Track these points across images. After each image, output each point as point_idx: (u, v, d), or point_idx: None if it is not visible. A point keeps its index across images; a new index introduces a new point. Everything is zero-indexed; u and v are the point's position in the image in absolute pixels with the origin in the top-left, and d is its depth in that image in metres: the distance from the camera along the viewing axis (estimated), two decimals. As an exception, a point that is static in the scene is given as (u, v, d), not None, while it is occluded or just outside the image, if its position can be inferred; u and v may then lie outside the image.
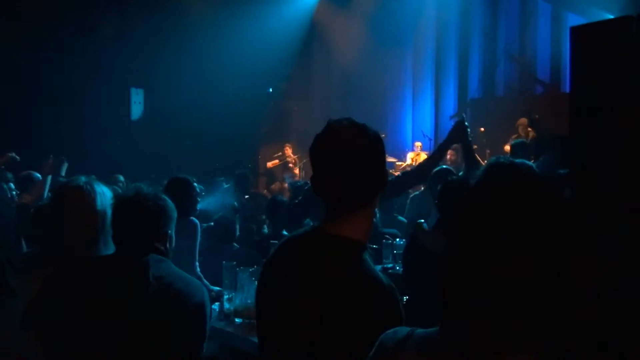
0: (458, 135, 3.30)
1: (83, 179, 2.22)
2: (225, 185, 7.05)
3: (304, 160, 10.25)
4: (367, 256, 1.49)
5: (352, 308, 1.37)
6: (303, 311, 1.42)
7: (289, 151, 10.61)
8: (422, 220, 3.23)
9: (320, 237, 1.49)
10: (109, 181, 5.94)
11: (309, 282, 1.44)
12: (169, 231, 2.08)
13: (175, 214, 2.11)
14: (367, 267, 1.45)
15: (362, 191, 1.49)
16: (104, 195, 2.20)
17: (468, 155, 3.43)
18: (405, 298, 2.56)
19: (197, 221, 3.68)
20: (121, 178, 6.74)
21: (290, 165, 10.47)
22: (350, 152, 1.47)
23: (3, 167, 5.89)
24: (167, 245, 2.08)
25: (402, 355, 1.06)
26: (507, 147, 8.67)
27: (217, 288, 3.41)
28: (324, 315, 1.39)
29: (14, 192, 5.62)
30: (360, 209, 1.49)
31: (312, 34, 11.92)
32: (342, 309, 1.38)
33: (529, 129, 8.65)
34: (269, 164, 11.26)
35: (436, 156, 3.57)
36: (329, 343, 1.37)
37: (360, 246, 1.48)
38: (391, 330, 1.14)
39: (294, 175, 10.61)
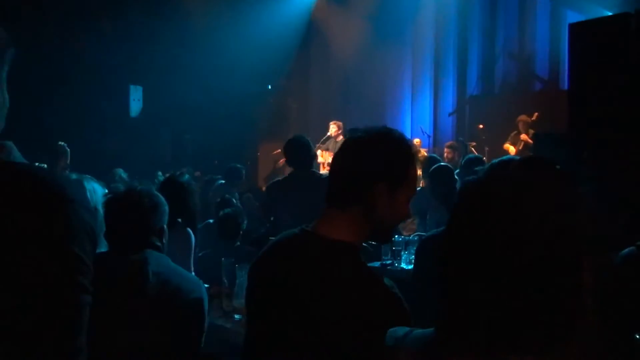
0: None
1: (74, 176, 2.22)
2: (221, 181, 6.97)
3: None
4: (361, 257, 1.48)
5: (356, 309, 1.36)
6: (305, 313, 1.40)
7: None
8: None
9: (313, 239, 1.47)
10: (107, 177, 5.95)
11: (309, 284, 1.42)
12: (164, 225, 2.09)
13: (167, 208, 2.12)
14: (365, 268, 1.46)
15: (344, 189, 1.47)
16: (95, 192, 2.21)
17: None
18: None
19: (191, 232, 3.34)
20: (121, 173, 6.66)
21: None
22: (342, 151, 1.52)
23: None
24: (163, 240, 2.09)
25: (399, 353, 1.07)
26: (507, 145, 8.69)
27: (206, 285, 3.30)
28: (327, 318, 1.37)
29: None
30: (346, 207, 1.46)
31: (311, 31, 11.91)
32: (346, 310, 1.36)
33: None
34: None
35: None
36: (333, 344, 1.36)
37: (353, 248, 1.46)
38: (392, 329, 1.14)
39: None
